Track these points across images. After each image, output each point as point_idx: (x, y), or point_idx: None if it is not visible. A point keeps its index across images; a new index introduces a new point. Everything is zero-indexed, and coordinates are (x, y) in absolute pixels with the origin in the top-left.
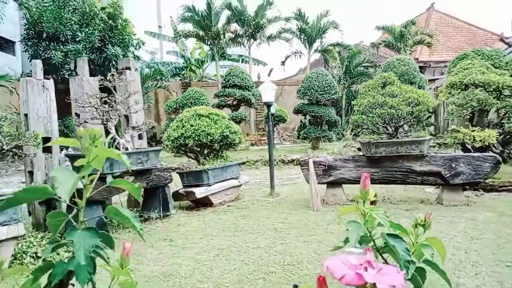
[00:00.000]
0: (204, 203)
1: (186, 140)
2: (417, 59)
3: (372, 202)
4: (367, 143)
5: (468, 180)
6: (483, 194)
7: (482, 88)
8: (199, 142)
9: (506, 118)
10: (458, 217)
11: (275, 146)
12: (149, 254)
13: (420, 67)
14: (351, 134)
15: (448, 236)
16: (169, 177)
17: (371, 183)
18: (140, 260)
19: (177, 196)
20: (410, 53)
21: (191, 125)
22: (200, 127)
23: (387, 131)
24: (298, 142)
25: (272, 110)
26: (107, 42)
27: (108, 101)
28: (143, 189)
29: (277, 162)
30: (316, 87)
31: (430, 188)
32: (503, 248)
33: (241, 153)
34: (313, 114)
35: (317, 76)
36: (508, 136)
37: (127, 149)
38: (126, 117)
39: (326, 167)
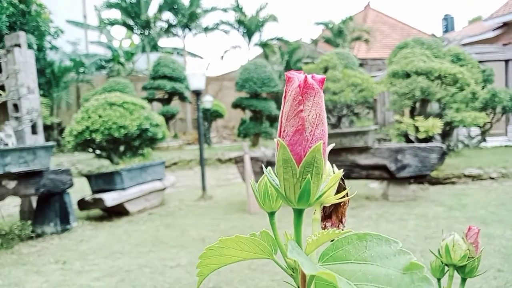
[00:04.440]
0: (118, 211)
1: (93, 135)
2: (355, 56)
3: (336, 209)
4: None
5: (415, 173)
6: (428, 188)
7: (425, 76)
8: (111, 137)
9: (448, 108)
10: (407, 214)
11: (212, 145)
12: (30, 283)
13: (359, 64)
14: None
15: (400, 237)
16: (68, 181)
17: None
18: None
19: (83, 204)
20: (348, 50)
21: (100, 116)
22: (111, 119)
23: (329, 122)
24: (239, 141)
25: (207, 104)
26: (17, 30)
27: None
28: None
29: (214, 162)
30: (255, 79)
31: (374, 183)
32: None
33: (173, 153)
34: (253, 108)
35: (256, 68)
36: (448, 128)
37: (6, 145)
38: (16, 106)
39: (265, 164)
